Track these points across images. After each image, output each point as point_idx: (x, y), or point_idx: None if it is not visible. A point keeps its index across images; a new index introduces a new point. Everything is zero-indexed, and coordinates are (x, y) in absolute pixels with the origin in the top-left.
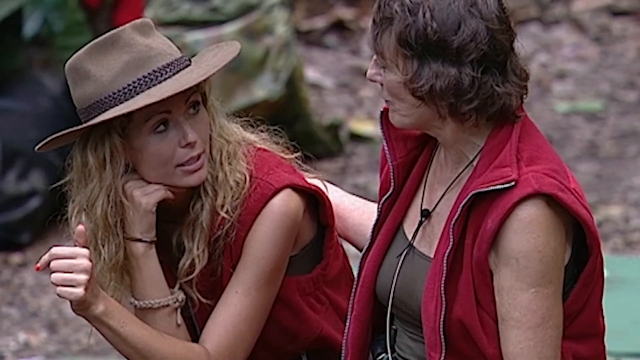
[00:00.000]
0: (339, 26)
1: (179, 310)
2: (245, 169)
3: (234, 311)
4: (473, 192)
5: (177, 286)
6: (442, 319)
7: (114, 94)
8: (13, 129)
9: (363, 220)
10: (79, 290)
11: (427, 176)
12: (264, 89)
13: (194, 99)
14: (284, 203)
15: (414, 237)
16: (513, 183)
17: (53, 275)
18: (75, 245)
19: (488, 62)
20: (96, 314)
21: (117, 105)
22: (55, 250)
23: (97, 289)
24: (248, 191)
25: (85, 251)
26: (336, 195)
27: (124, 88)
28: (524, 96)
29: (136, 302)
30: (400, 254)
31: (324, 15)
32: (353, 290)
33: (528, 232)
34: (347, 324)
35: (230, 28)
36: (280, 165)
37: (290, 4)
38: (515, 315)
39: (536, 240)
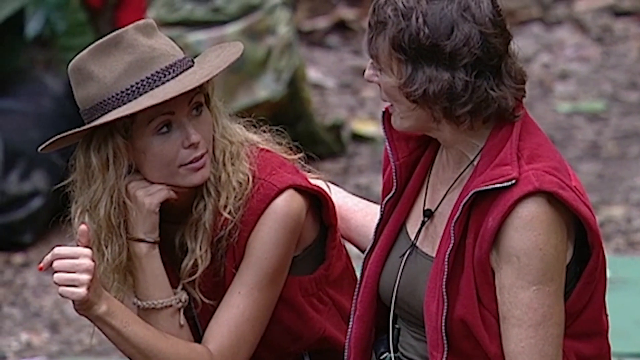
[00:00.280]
0: (341, 26)
1: (181, 311)
2: (248, 169)
3: (236, 312)
4: (474, 190)
5: (180, 287)
6: (444, 318)
7: (117, 95)
8: (15, 129)
9: (366, 222)
10: (82, 290)
11: (429, 176)
12: (266, 89)
13: (197, 100)
14: (287, 204)
15: (416, 237)
16: (514, 181)
17: (55, 275)
18: (78, 245)
19: (482, 66)
20: (99, 314)
21: (120, 106)
22: (58, 250)
23: (99, 289)
24: (251, 192)
25: (87, 251)
26: (339, 196)
27: (127, 89)
28: (522, 97)
29: (139, 302)
30: (403, 254)
31: (326, 15)
32: (356, 290)
33: (529, 230)
34: (350, 324)
35: (232, 28)
36: (283, 166)
37: (292, 4)
38: (517, 313)
39: (537, 238)
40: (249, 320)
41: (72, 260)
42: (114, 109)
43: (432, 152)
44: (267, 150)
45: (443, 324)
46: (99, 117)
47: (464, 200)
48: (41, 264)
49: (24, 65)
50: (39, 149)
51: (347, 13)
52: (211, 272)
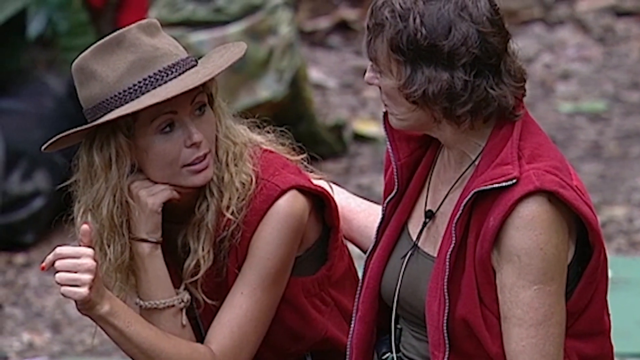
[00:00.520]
0: (342, 27)
1: (184, 311)
2: (251, 170)
3: (239, 312)
4: (475, 190)
5: (183, 287)
6: (445, 318)
7: (120, 94)
8: (17, 130)
9: (368, 223)
10: (84, 290)
11: (431, 176)
12: (267, 89)
13: (199, 99)
14: (290, 204)
15: (418, 237)
16: (514, 181)
17: (57, 274)
18: (80, 245)
19: (480, 65)
20: (101, 314)
21: (122, 105)
22: (60, 249)
23: (102, 289)
24: (254, 192)
25: (89, 251)
26: (342, 197)
27: (129, 88)
28: (523, 95)
29: (141, 302)
30: (405, 255)
31: (328, 15)
32: (358, 291)
33: (530, 229)
34: (352, 324)
35: (234, 28)
36: (286, 167)
37: (294, 4)
38: (518, 312)
39: (538, 237)
40: (252, 320)
41: (74, 260)
42: (117, 107)
43: (433, 152)
44: (270, 151)
45: (445, 324)
46: (101, 116)
47: (465, 200)
48: (43, 264)
49: (25, 65)
50: (42, 148)
51: (348, 13)
52: (213, 272)
